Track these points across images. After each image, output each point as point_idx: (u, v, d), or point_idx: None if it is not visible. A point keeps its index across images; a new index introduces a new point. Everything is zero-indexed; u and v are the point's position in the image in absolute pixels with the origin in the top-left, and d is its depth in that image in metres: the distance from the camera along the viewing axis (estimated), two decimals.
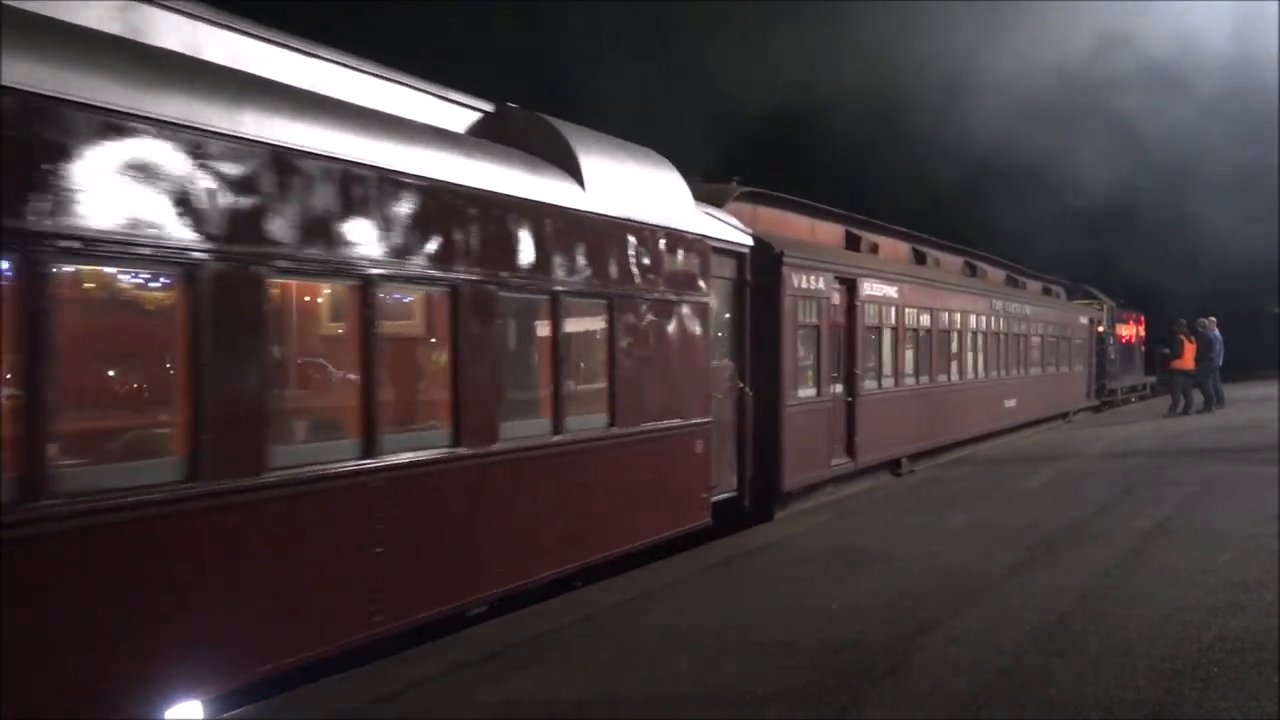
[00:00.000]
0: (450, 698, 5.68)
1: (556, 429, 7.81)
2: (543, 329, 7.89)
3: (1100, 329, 28.84)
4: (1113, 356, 29.75)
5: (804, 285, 12.26)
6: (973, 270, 20.98)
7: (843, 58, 31.09)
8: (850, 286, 13.62)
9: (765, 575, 8.69)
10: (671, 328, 9.39)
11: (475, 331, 6.91)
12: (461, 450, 6.79)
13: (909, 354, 15.74)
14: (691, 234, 9.74)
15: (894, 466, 15.26)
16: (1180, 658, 5.84)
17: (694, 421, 9.73)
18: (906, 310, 15.49)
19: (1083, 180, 33.20)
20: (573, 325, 8.22)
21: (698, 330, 9.87)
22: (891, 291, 14.91)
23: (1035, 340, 22.71)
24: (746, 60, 32.88)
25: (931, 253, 18.77)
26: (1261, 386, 28.63)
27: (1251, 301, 33.67)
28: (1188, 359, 22.33)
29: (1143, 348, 34.43)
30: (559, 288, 7.82)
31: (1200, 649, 5.97)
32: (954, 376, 17.53)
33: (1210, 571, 7.90)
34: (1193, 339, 22.21)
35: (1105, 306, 29.85)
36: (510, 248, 7.30)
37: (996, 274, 23.06)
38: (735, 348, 10.97)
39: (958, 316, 17.75)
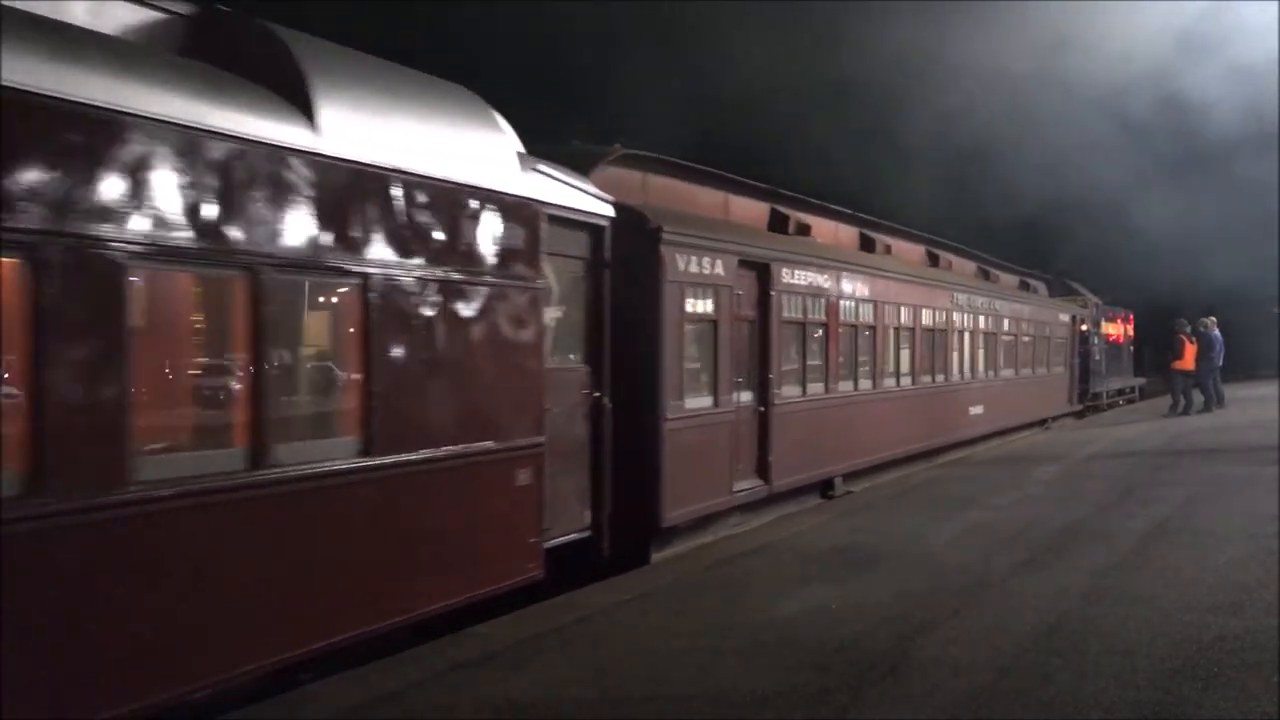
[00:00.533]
0: (450, 698, 5.67)
1: (256, 461, 5.45)
2: (234, 317, 5.53)
3: (1084, 327, 26.50)
4: (1098, 357, 27.38)
5: (694, 269, 9.89)
6: (935, 260, 18.63)
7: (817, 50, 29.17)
8: (763, 273, 11.26)
9: (765, 575, 8.58)
10: (478, 319, 7.04)
11: (70, 317, 4.54)
12: (42, 503, 4.42)
13: (845, 355, 13.38)
14: (511, 197, 7.37)
15: (825, 487, 12.90)
16: (1180, 658, 5.79)
17: (515, 444, 7.38)
18: (842, 303, 13.13)
19: (1075, 176, 31.56)
20: (293, 313, 5.88)
21: (524, 323, 7.52)
22: (822, 281, 12.55)
23: (1007, 339, 20.35)
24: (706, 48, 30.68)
25: (884, 239, 16.41)
26: (1261, 386, 28.13)
27: (1251, 302, 32.61)
28: (1188, 359, 22.14)
29: (1131, 348, 32.09)
30: (260, 258, 5.45)
31: (1200, 649, 5.93)
32: (904, 381, 15.16)
33: (1210, 572, 7.81)
34: (1193, 339, 21.98)
35: (1089, 303, 27.49)
36: (155, 197, 4.92)
37: (966, 266, 20.73)
38: (589, 347, 8.61)
39: (909, 311, 15.38)
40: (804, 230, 13.43)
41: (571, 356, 8.47)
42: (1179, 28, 28.75)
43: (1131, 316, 32.28)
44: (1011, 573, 8.14)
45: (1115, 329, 30.27)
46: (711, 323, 10.26)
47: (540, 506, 7.69)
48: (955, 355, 17.35)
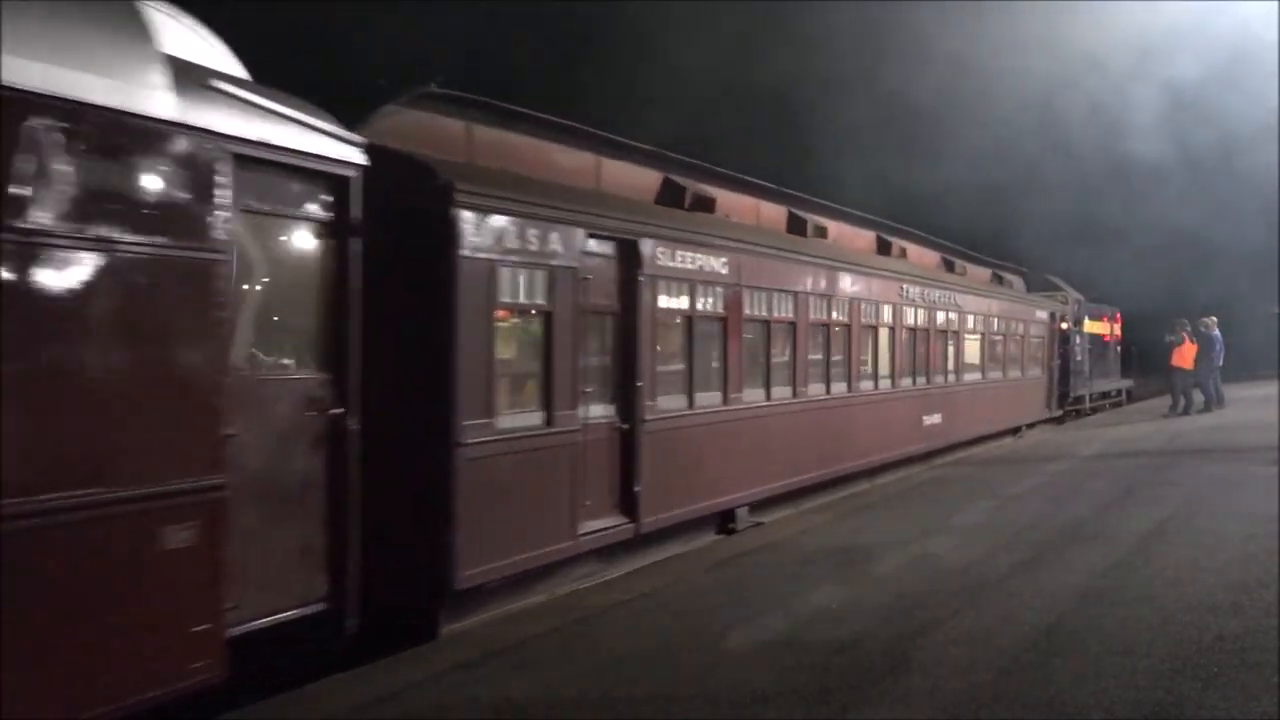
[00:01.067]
0: (450, 698, 5.67)
1: None
2: None
3: (1065, 325, 24.09)
4: (1080, 358, 24.92)
5: (513, 243, 7.47)
6: (886, 249, 16.19)
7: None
8: (629, 252, 8.84)
9: (765, 575, 8.49)
10: (72, 301, 4.61)
11: None
12: None
13: (753, 357, 10.96)
14: (151, 122, 4.95)
15: (725, 519, 10.48)
16: (1180, 658, 5.75)
17: (158, 489, 4.94)
18: (748, 293, 10.71)
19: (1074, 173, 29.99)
20: None
21: (182, 309, 5.10)
22: (716, 264, 10.12)
23: (973, 338, 17.94)
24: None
25: (819, 220, 13.98)
26: (1261, 386, 27.45)
27: (1250, 302, 31.72)
28: (1187, 355, 21.94)
29: (1119, 348, 29.67)
30: None
31: (1200, 649, 5.88)
32: (836, 388, 12.72)
33: (1210, 571, 7.75)
34: (1194, 339, 21.90)
35: (1071, 300, 25.05)
36: None
37: (928, 257, 18.30)
38: (327, 346, 6.17)
39: (845, 304, 12.96)
40: (705, 205, 11.02)
41: (291, 358, 6.05)
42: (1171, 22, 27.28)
43: (1119, 315, 29.91)
44: (1011, 572, 8.02)
45: (1101, 328, 27.87)
46: (544, 315, 7.84)
47: (218, 577, 5.26)
48: (905, 357, 14.92)
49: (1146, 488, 12.21)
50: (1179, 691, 5.21)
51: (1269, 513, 9.80)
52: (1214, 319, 22.15)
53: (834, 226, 14.59)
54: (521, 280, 7.62)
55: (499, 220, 7.32)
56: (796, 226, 13.37)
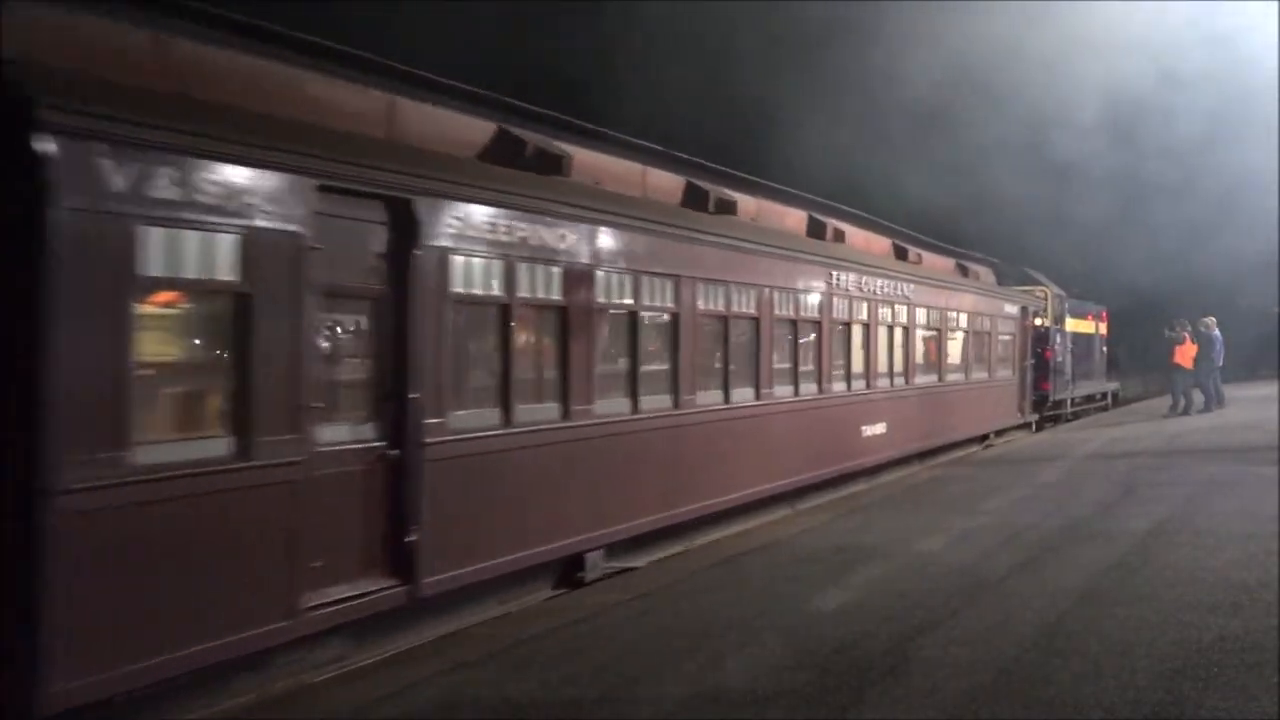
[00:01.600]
0: (450, 698, 5.62)
1: None
2: None
3: (1041, 322, 21.78)
4: (1060, 359, 22.57)
5: (171, 192, 5.12)
6: (820, 232, 13.84)
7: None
8: (401, 215, 6.49)
9: (765, 575, 8.36)
10: None
11: None
12: None
13: (612, 358, 8.62)
14: None
15: (571, 568, 8.13)
16: (1180, 658, 5.71)
17: None
18: (605, 277, 8.37)
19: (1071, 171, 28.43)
20: None
21: None
22: (553, 239, 7.76)
23: (928, 334, 15.62)
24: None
25: (730, 195, 11.63)
26: (1261, 386, 27.19)
27: (1251, 302, 31.25)
28: (1188, 357, 21.70)
29: (1104, 348, 27.36)
30: None
31: (1200, 649, 5.84)
32: (740, 393, 10.35)
33: (1210, 572, 7.63)
34: (1195, 339, 21.71)
35: (1049, 295, 22.69)
36: None
37: (877, 243, 15.97)
38: None
39: (753, 294, 10.63)
40: (554, 166, 8.67)
41: None
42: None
43: (1105, 314, 27.62)
44: (1010, 573, 7.93)
45: (1085, 326, 25.55)
46: (237, 298, 5.49)
47: None
48: (837, 356, 12.59)
49: (1147, 487, 12.07)
50: (1179, 691, 5.18)
51: (1269, 513, 9.75)
52: (1214, 319, 21.95)
53: (752, 203, 12.27)
54: (192, 247, 5.27)
55: (143, 158, 4.97)
56: (696, 199, 11.03)
